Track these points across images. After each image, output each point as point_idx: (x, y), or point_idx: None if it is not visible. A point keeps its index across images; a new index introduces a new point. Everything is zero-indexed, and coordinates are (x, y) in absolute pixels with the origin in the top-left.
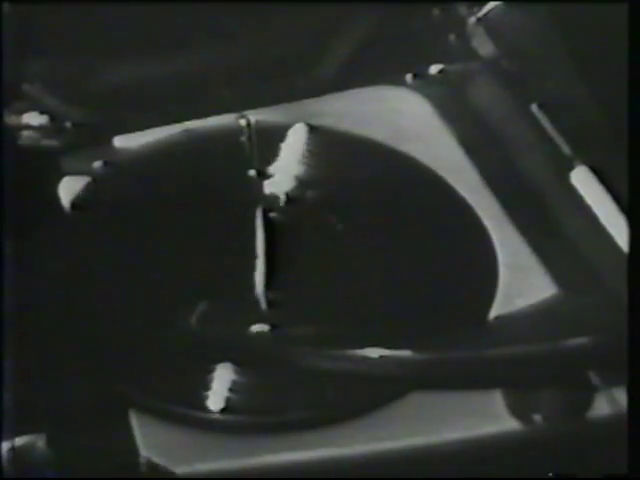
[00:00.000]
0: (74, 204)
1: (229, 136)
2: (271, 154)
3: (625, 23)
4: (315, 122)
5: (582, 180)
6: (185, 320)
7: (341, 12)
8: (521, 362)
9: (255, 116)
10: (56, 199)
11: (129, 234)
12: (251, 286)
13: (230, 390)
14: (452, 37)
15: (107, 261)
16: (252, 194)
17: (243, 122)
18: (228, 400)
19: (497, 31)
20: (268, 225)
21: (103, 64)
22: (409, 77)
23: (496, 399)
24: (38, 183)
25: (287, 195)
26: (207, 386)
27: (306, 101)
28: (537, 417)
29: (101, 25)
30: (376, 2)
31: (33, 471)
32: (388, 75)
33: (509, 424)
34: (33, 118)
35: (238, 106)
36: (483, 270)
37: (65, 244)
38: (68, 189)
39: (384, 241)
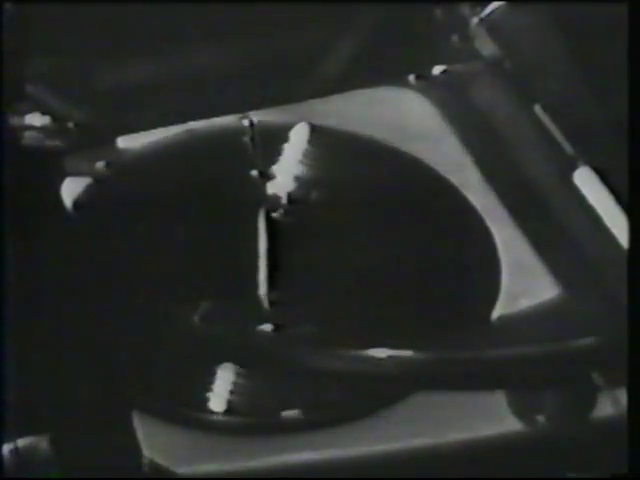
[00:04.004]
0: (76, 205)
1: (232, 137)
2: (274, 155)
3: (625, 23)
4: (318, 122)
5: (585, 180)
6: (187, 320)
7: (344, 12)
8: (524, 362)
9: (258, 116)
10: (59, 200)
11: (131, 234)
12: (254, 286)
13: (232, 392)
14: (455, 38)
15: (109, 261)
16: (255, 195)
17: (246, 122)
18: (230, 401)
19: (500, 32)
20: (271, 225)
21: (105, 64)
22: (412, 78)
23: (499, 400)
24: (40, 184)
25: (289, 195)
26: (209, 387)
27: (309, 101)
28: (540, 418)
29: (102, 25)
30: (379, 2)
31: (36, 472)
32: (391, 76)
33: (512, 425)
34: (35, 119)
35: (241, 106)
36: (486, 270)
37: (67, 245)
38: (71, 190)
39: (387, 241)
